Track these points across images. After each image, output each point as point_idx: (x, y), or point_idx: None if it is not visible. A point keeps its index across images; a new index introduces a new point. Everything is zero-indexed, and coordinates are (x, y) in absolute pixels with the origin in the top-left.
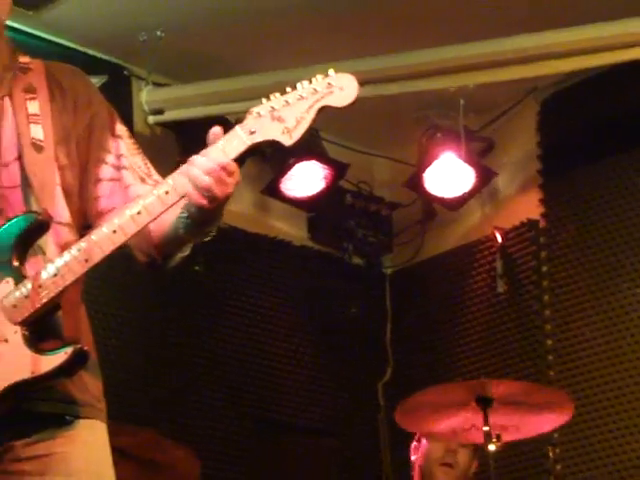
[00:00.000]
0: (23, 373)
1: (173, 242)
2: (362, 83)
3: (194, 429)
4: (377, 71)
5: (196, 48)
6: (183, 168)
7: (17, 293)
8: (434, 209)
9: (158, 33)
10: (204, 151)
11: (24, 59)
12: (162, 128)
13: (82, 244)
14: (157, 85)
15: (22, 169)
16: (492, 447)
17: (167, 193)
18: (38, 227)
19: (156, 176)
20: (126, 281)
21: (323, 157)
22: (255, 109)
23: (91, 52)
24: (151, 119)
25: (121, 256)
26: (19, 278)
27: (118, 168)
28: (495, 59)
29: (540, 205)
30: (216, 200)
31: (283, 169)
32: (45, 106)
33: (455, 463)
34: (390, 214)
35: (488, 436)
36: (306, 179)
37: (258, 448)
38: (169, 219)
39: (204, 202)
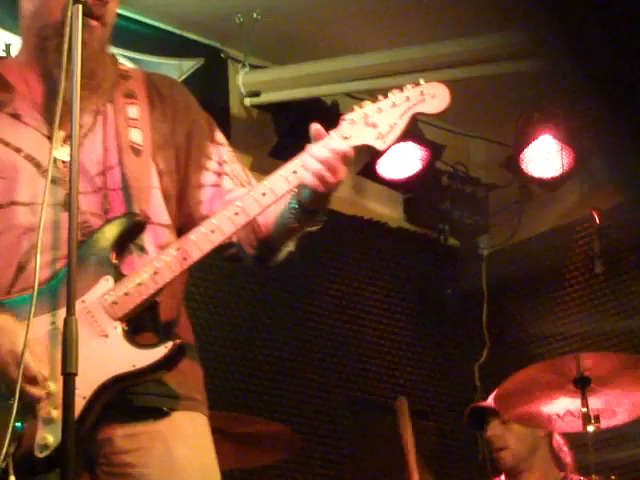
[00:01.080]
0: (124, 367)
1: (281, 234)
2: (457, 64)
3: (289, 409)
4: (473, 51)
5: (292, 30)
6: (301, 156)
7: (117, 290)
8: (531, 190)
9: (254, 15)
10: (319, 142)
11: (124, 67)
12: (258, 110)
13: (181, 243)
14: (254, 67)
15: (122, 172)
16: (591, 428)
17: (264, 195)
18: (136, 227)
19: (254, 182)
20: (217, 262)
21: (419, 138)
22: (348, 116)
23: (187, 35)
24: (248, 101)
25: None
26: (118, 276)
27: (219, 174)
28: None
29: None
30: (330, 186)
31: (379, 151)
32: (144, 112)
33: (506, 445)
34: (486, 195)
35: (587, 417)
36: (402, 161)
37: (355, 429)
38: (276, 212)
39: (319, 186)
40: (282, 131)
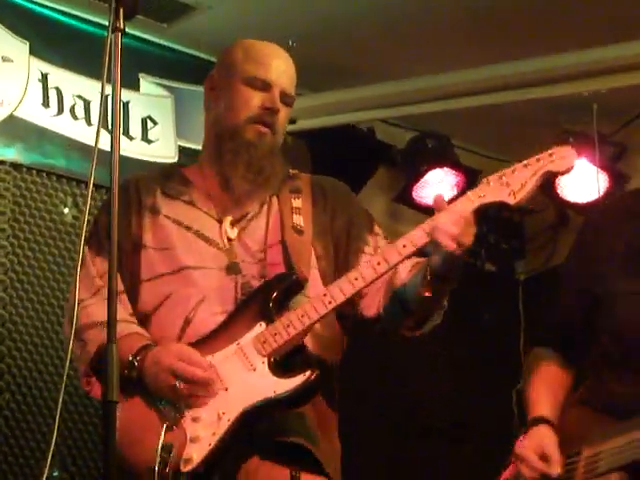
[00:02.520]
0: (265, 394)
1: (416, 304)
2: (494, 89)
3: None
4: (509, 77)
5: (327, 57)
6: (432, 219)
7: (268, 331)
8: (567, 214)
9: (290, 43)
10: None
11: (294, 171)
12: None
13: (327, 289)
14: None
15: (284, 248)
16: None
17: (404, 246)
18: (294, 285)
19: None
20: None
21: (455, 164)
22: (485, 179)
23: None
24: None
25: None
26: (271, 321)
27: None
28: (628, 63)
29: None
30: (463, 246)
31: (415, 177)
32: (307, 204)
33: None
34: (522, 220)
35: None
36: (438, 186)
37: (405, 449)
38: (410, 285)
39: (454, 247)
40: (318, 157)
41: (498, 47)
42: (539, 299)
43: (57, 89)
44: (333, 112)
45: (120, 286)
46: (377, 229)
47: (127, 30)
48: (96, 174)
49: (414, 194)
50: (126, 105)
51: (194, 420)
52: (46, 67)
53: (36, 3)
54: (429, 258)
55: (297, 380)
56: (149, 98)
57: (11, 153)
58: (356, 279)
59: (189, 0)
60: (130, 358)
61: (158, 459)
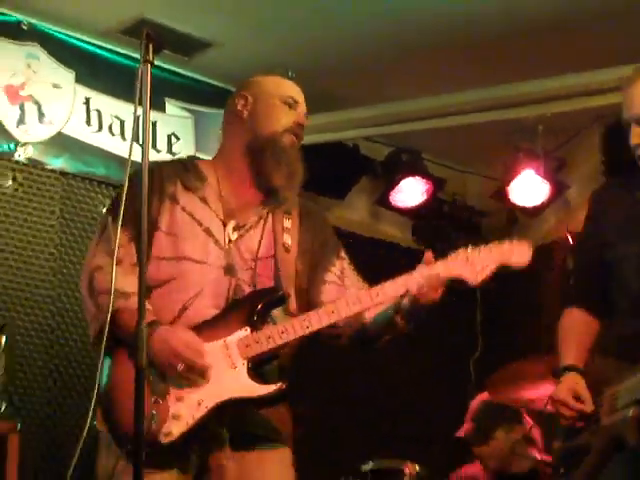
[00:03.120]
0: (242, 392)
1: (381, 326)
2: (457, 113)
3: None
4: (470, 102)
5: (319, 85)
6: (412, 273)
7: (251, 338)
8: (516, 216)
9: (289, 73)
10: (429, 266)
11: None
12: None
13: (307, 315)
14: None
15: (275, 263)
16: None
17: (377, 295)
18: (278, 299)
19: (366, 286)
20: None
21: (425, 174)
22: (454, 253)
23: (233, 89)
24: None
25: None
26: (255, 329)
27: (341, 278)
28: (567, 92)
29: None
30: (430, 301)
31: (392, 184)
32: (295, 225)
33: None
34: (480, 221)
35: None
36: (411, 192)
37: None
38: (380, 312)
39: (422, 297)
40: (311, 168)
41: (460, 78)
42: (494, 287)
43: (97, 111)
44: (325, 131)
45: (132, 259)
46: (343, 254)
47: (155, 62)
48: None
49: (391, 198)
50: (154, 124)
51: (178, 399)
52: (88, 92)
53: (80, 40)
54: (398, 302)
55: (270, 388)
56: (173, 118)
57: (59, 163)
58: (332, 312)
59: (206, 38)
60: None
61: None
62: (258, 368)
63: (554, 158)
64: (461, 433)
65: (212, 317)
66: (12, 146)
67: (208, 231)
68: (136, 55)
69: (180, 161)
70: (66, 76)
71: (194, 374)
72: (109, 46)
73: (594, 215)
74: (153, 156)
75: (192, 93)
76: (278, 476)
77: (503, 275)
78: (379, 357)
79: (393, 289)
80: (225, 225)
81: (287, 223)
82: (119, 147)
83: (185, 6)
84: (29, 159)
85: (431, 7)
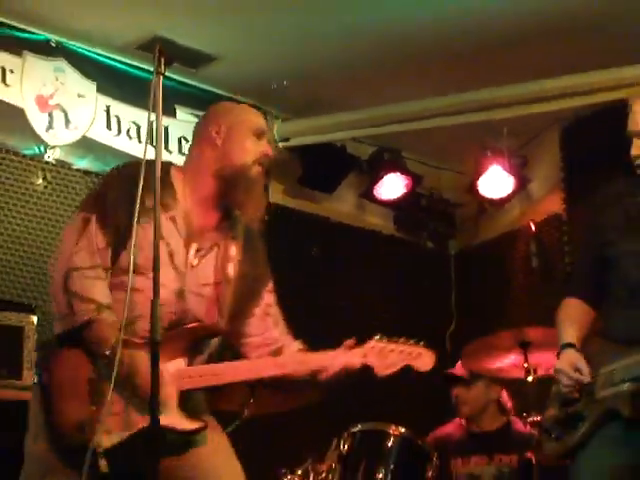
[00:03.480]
0: (168, 422)
1: (293, 385)
2: (433, 116)
3: None
4: (444, 107)
5: (311, 92)
6: (333, 355)
7: (186, 372)
8: (485, 207)
9: (284, 82)
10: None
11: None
12: (288, 151)
13: (237, 364)
14: (285, 120)
15: (217, 293)
16: (530, 378)
17: (300, 363)
18: (214, 335)
19: (281, 326)
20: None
21: (404, 170)
22: (374, 343)
23: (237, 97)
24: (280, 145)
25: None
26: (190, 362)
27: (266, 313)
28: (528, 97)
29: (563, 203)
30: (340, 379)
31: (376, 179)
32: (238, 252)
33: (466, 402)
34: (454, 211)
35: (527, 371)
36: (392, 186)
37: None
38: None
39: (330, 378)
40: (305, 166)
41: (435, 85)
42: (466, 269)
43: (117, 117)
44: (315, 133)
45: (107, 263)
46: (271, 286)
47: (166, 73)
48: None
49: (375, 192)
50: (166, 128)
51: (115, 414)
52: (109, 101)
53: (101, 55)
54: (315, 372)
55: (195, 424)
56: (183, 123)
57: (84, 163)
58: (256, 367)
59: (211, 52)
60: (113, 340)
61: (76, 432)
62: (186, 402)
63: (518, 156)
64: (451, 370)
65: (161, 336)
66: (42, 149)
67: (171, 253)
68: (149, 68)
69: (163, 170)
70: (89, 87)
71: (145, 403)
72: (126, 60)
73: (594, 216)
74: (165, 156)
75: (199, 101)
76: (224, 463)
77: (476, 261)
78: (365, 330)
79: (317, 361)
80: (187, 247)
81: (232, 250)
82: (136, 149)
83: (192, 25)
84: (57, 160)
85: (411, 21)
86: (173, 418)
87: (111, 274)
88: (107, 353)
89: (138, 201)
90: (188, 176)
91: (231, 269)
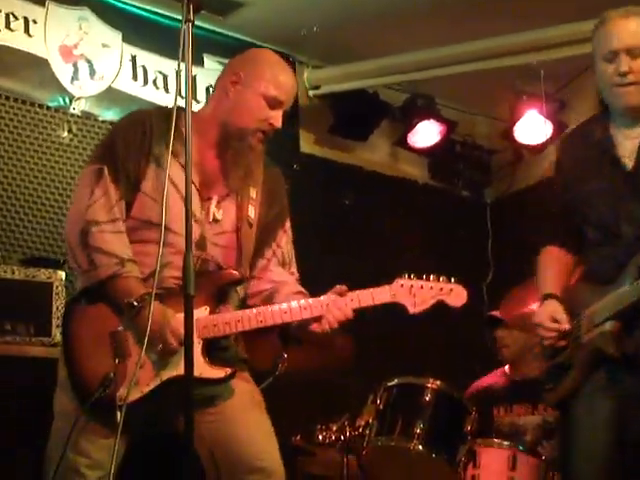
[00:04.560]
0: (195, 371)
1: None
2: (467, 61)
3: None
4: (477, 52)
5: (341, 39)
6: (333, 300)
7: (210, 319)
8: (522, 153)
9: (314, 29)
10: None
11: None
12: (318, 99)
13: (264, 309)
14: (315, 67)
15: (238, 238)
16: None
17: (305, 309)
18: (237, 283)
19: (293, 268)
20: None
21: (438, 117)
22: (401, 281)
23: (266, 45)
24: (311, 93)
25: None
26: (216, 309)
27: (274, 253)
28: (564, 40)
29: None
30: (330, 328)
31: (409, 127)
32: (258, 195)
33: (507, 344)
34: (489, 158)
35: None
36: (426, 134)
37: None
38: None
39: (325, 325)
40: (336, 114)
41: (468, 29)
42: (502, 217)
43: (143, 67)
44: (347, 80)
45: (123, 217)
46: (287, 226)
47: (195, 22)
48: None
49: (409, 140)
50: (194, 77)
51: (141, 366)
52: (135, 50)
53: (126, 3)
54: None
55: (220, 373)
56: (211, 72)
57: (110, 114)
58: (285, 312)
59: None
60: (141, 293)
61: (100, 387)
62: (214, 349)
63: (555, 100)
64: (495, 313)
65: (177, 288)
66: (67, 100)
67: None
68: (176, 15)
69: (165, 114)
70: (114, 36)
71: (166, 354)
72: (152, 8)
73: (562, 161)
74: (194, 106)
75: (227, 49)
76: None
77: (513, 209)
78: None
79: (318, 309)
80: (201, 196)
81: (252, 193)
82: (163, 99)
83: None
84: (83, 112)
85: None
86: (198, 367)
87: (133, 222)
88: (135, 304)
89: (170, 152)
90: (200, 118)
91: (252, 212)
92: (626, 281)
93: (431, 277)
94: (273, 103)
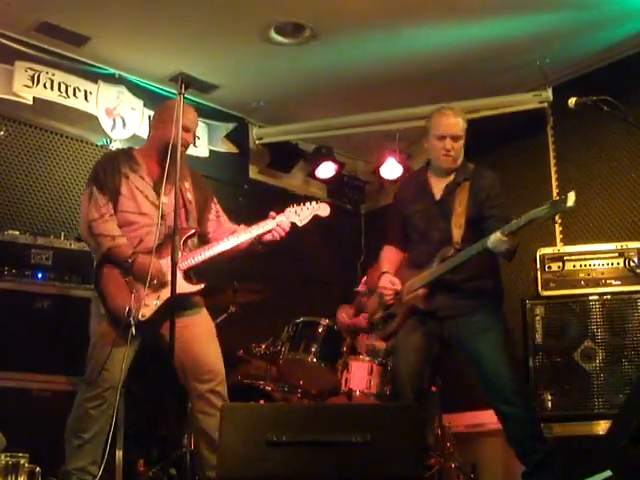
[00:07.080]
0: (181, 290)
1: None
2: (355, 126)
3: None
4: (362, 121)
5: (279, 109)
6: (271, 221)
7: (184, 257)
8: (384, 184)
9: (261, 103)
10: (285, 216)
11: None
12: (262, 146)
13: (216, 242)
14: (260, 126)
15: (186, 212)
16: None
17: (261, 226)
18: (193, 234)
19: (228, 222)
20: None
21: (335, 160)
22: (290, 209)
23: (230, 111)
24: (257, 142)
25: None
26: (183, 252)
27: (217, 216)
28: (411, 117)
29: None
30: (279, 238)
31: (316, 165)
32: (190, 185)
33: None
34: (364, 186)
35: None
36: (327, 170)
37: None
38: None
39: (276, 236)
40: (272, 155)
41: (355, 104)
42: (372, 223)
43: None
44: (279, 135)
45: (110, 212)
46: (215, 201)
47: (185, 95)
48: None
49: (315, 173)
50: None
51: (147, 295)
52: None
53: (146, 83)
54: (260, 237)
55: (195, 287)
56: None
57: None
58: (234, 237)
59: (215, 82)
60: (130, 253)
61: (127, 310)
62: (187, 276)
63: (404, 152)
64: (358, 288)
65: (158, 244)
66: (108, 141)
67: (146, 197)
68: (174, 91)
69: (125, 152)
70: (138, 103)
71: (159, 285)
72: (160, 86)
73: (399, 192)
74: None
75: (207, 114)
76: (204, 330)
77: (378, 218)
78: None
79: (265, 227)
80: (156, 191)
81: (187, 184)
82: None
83: (204, 65)
84: (117, 149)
85: (349, 72)
86: (181, 287)
87: (119, 214)
88: (129, 261)
89: (178, 173)
90: (145, 150)
91: (189, 195)
92: (433, 265)
93: (307, 202)
94: (186, 129)
